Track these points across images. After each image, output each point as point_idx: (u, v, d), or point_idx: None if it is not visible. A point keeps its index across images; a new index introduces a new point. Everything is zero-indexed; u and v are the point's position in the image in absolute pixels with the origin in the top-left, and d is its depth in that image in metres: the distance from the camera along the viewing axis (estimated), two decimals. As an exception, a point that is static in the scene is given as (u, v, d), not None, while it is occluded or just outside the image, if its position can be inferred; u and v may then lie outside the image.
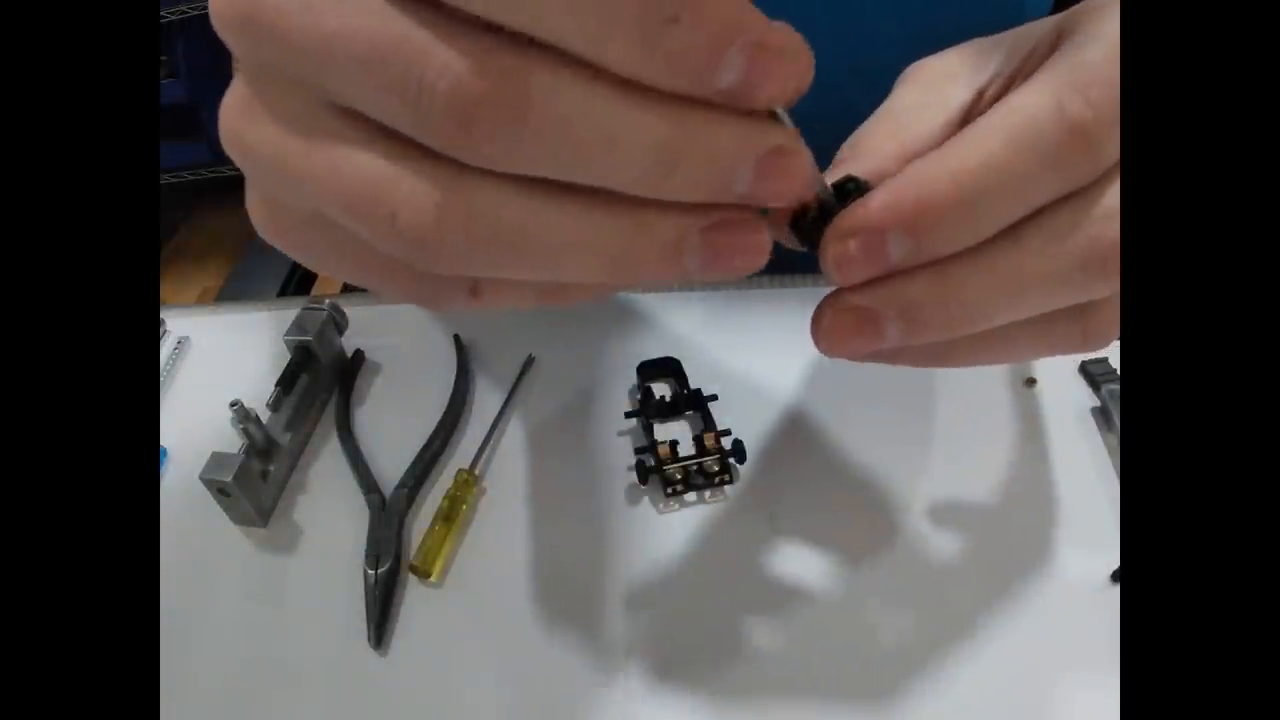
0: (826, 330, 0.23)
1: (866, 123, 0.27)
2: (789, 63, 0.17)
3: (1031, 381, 0.42)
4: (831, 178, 0.24)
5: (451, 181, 0.18)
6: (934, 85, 0.27)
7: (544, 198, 0.18)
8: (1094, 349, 0.25)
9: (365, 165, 0.19)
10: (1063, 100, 0.21)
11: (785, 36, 0.17)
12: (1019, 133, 0.22)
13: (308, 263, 0.24)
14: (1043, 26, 0.26)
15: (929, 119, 0.26)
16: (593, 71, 0.17)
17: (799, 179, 0.19)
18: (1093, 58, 0.22)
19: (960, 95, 0.26)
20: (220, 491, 0.38)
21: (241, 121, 0.21)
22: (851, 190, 0.23)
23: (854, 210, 0.22)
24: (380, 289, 0.22)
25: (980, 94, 0.27)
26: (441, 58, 0.16)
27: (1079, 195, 0.23)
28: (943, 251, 0.22)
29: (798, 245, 0.24)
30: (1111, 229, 0.22)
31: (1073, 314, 0.24)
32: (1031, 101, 0.22)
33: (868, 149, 0.25)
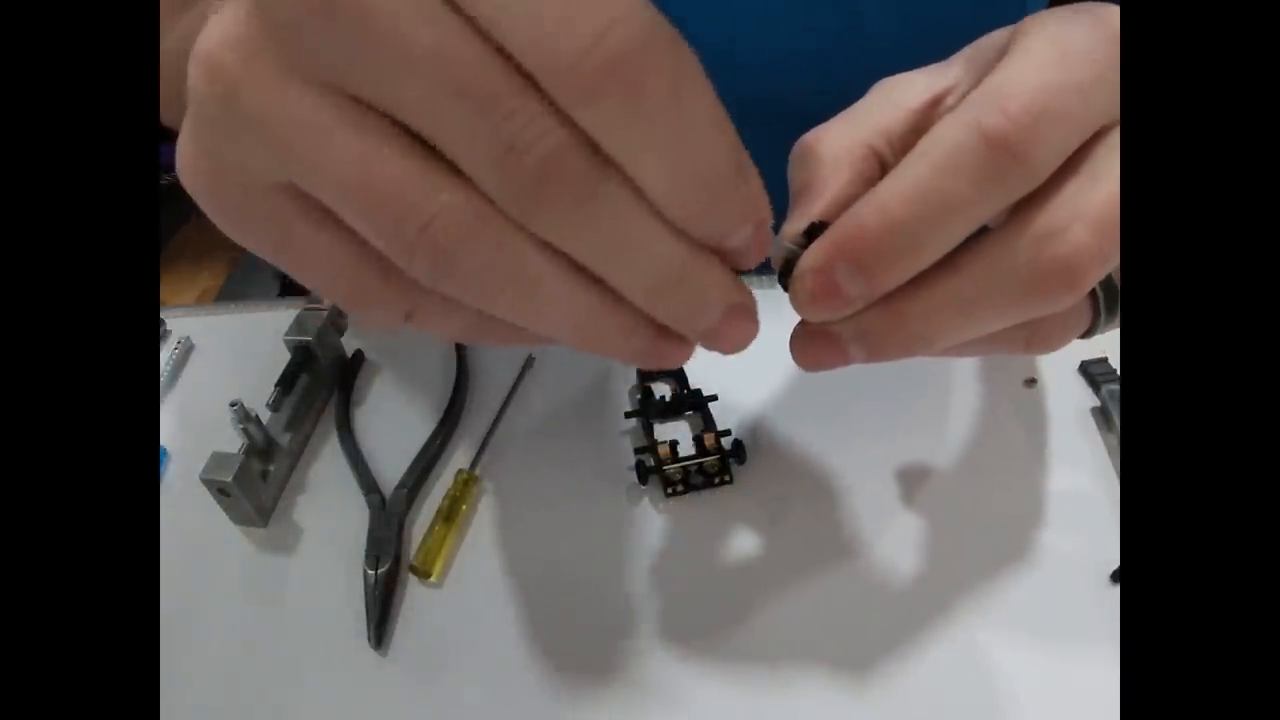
0: (799, 351, 0.26)
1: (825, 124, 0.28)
2: (769, 244, 0.22)
3: (1031, 381, 0.42)
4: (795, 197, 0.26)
5: (490, 216, 0.19)
6: (886, 89, 0.28)
7: (557, 263, 0.20)
8: (1039, 354, 0.27)
9: (404, 168, 0.19)
10: (980, 118, 0.22)
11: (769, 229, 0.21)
12: (941, 156, 0.22)
13: (241, 237, 0.22)
14: (1002, 35, 0.26)
15: (878, 113, 0.27)
16: (648, 201, 0.20)
17: (746, 338, 0.23)
18: (1009, 75, 0.23)
19: (912, 97, 0.27)
20: (220, 491, 0.38)
21: (241, 60, 0.19)
22: (818, 233, 0.24)
23: (807, 253, 0.24)
24: (321, 283, 0.22)
25: (939, 99, 0.27)
26: (543, 123, 0.18)
27: (1015, 218, 0.23)
28: (893, 282, 0.23)
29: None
30: (1051, 249, 0.23)
31: (1018, 326, 0.25)
32: (952, 125, 0.23)
33: (816, 152, 0.27)
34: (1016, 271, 0.23)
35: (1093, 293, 0.26)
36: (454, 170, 0.19)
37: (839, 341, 0.25)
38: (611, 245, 0.20)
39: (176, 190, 0.22)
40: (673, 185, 0.19)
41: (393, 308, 0.22)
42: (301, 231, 0.21)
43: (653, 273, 0.20)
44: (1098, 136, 0.24)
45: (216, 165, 0.21)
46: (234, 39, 0.19)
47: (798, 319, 0.26)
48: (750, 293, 0.22)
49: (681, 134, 0.19)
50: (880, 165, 0.27)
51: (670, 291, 0.21)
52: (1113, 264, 0.23)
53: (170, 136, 0.22)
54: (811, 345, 0.25)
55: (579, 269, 0.20)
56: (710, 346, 0.23)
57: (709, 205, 0.20)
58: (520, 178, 0.19)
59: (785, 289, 0.25)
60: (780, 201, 0.28)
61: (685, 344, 0.23)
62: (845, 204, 0.24)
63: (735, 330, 0.22)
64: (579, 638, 0.35)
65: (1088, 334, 0.27)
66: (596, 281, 0.21)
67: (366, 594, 0.37)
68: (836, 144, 0.27)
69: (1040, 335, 0.26)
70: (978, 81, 0.24)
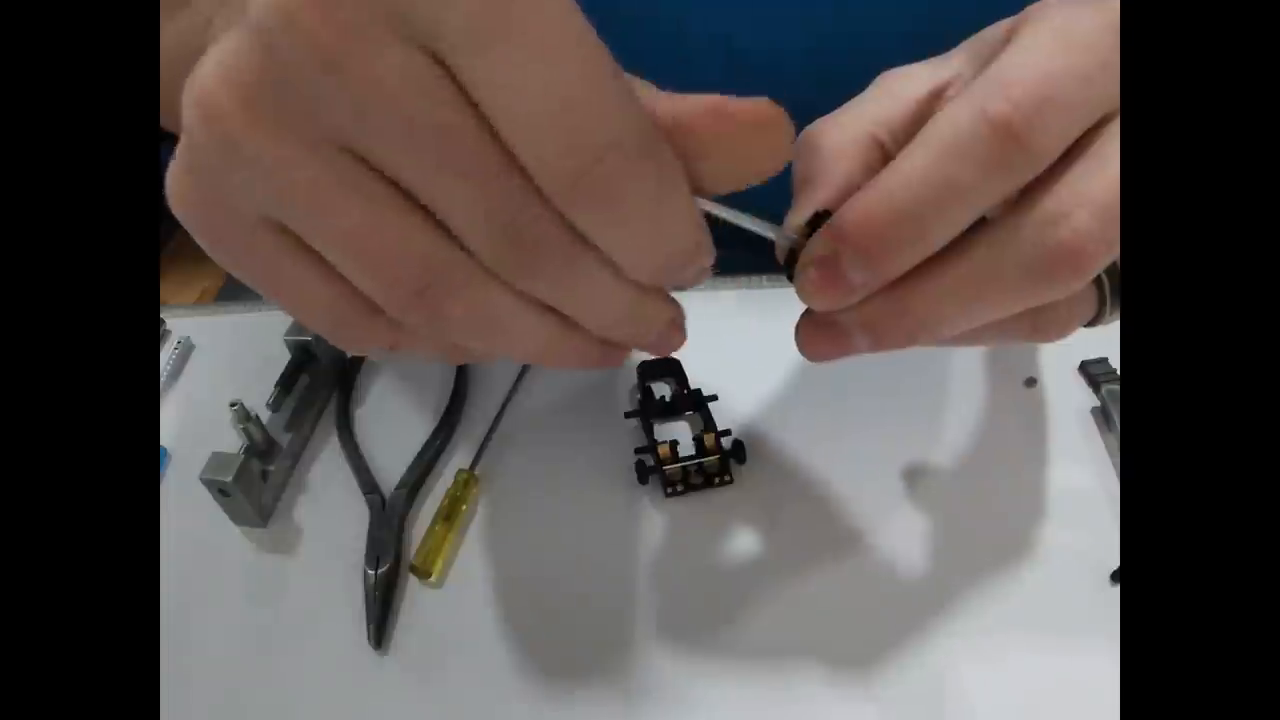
0: (803, 341, 0.26)
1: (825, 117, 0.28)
2: (709, 273, 0.24)
3: (1032, 381, 0.42)
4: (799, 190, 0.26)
5: (479, 275, 0.21)
6: (888, 81, 0.29)
7: (530, 307, 0.22)
8: (1044, 342, 0.27)
9: (402, 230, 0.20)
10: (984, 104, 0.22)
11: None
12: (946, 142, 0.23)
13: (227, 266, 0.22)
14: (1005, 27, 0.26)
15: (880, 104, 0.27)
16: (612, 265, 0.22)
17: (677, 346, 0.26)
18: (1013, 61, 0.23)
19: (914, 88, 0.27)
20: (220, 491, 0.38)
21: (241, 108, 0.19)
22: (821, 222, 0.24)
23: (811, 242, 0.24)
24: (306, 317, 0.23)
25: (941, 91, 0.27)
26: (535, 209, 0.20)
27: (1019, 204, 0.23)
28: (897, 269, 0.23)
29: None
30: (1055, 234, 0.23)
31: (1022, 314, 0.25)
32: (956, 111, 0.23)
33: (818, 143, 0.27)
34: (1020, 256, 0.23)
35: (1098, 281, 0.26)
36: (447, 231, 0.20)
37: (844, 331, 0.25)
38: (580, 298, 0.22)
39: (177, 190, 0.22)
40: (640, 265, 0.22)
41: (374, 340, 0.23)
42: (289, 267, 0.22)
43: (611, 313, 0.23)
44: (1102, 123, 0.23)
45: (207, 198, 0.21)
46: (234, 82, 0.19)
47: (800, 316, 0.26)
48: (679, 307, 0.25)
49: (653, 233, 0.21)
50: (883, 155, 0.27)
51: (623, 324, 0.24)
52: (1117, 251, 0.23)
53: (171, 139, 0.22)
54: (816, 335, 0.25)
55: (549, 309, 0.23)
56: (647, 351, 0.26)
57: (668, 276, 0.23)
58: (511, 252, 0.20)
59: (790, 279, 0.25)
60: (782, 198, 0.28)
61: (625, 351, 0.26)
62: (848, 193, 0.24)
63: (670, 341, 0.25)
64: (579, 638, 0.35)
65: (1093, 322, 0.27)
66: (563, 318, 0.23)
67: (366, 594, 0.37)
68: (839, 134, 0.27)
69: (1045, 323, 0.26)
70: (980, 72, 0.24)
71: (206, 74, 0.19)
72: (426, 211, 0.20)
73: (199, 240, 0.22)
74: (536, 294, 0.22)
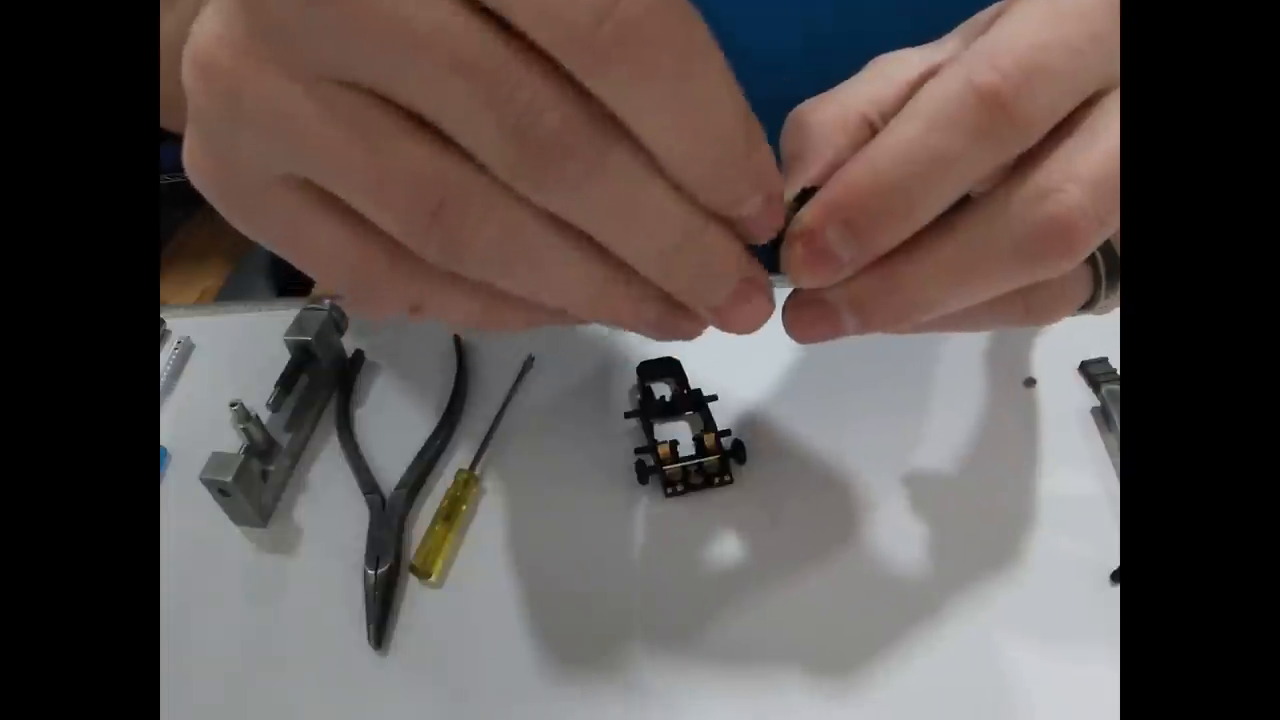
0: (791, 321, 0.25)
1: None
2: (781, 217, 0.22)
3: (1031, 381, 0.42)
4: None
5: (500, 194, 0.20)
6: (881, 64, 0.28)
7: (567, 236, 0.21)
8: (1038, 325, 0.26)
9: (412, 153, 0.19)
10: (971, 74, 0.22)
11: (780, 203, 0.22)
12: (933, 112, 0.22)
13: (249, 230, 0.22)
14: (990, 11, 0.26)
15: (871, 85, 0.27)
16: (657, 168, 0.20)
17: (758, 316, 0.23)
18: (1002, 33, 0.23)
19: (906, 70, 0.27)
20: (220, 491, 0.38)
21: (237, 60, 0.19)
22: (810, 199, 0.24)
23: (798, 216, 0.23)
24: (329, 273, 0.22)
25: (933, 73, 0.27)
26: (547, 97, 0.18)
27: (1009, 179, 0.23)
28: (885, 243, 0.23)
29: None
30: (1044, 209, 0.22)
31: (1014, 293, 0.24)
32: (943, 82, 0.22)
33: (808, 122, 0.26)
34: (1010, 232, 0.23)
35: (1093, 261, 0.25)
36: (460, 150, 0.19)
37: (831, 309, 0.24)
38: (620, 213, 0.20)
39: (176, 191, 0.22)
40: (683, 149, 0.20)
41: (400, 296, 0.22)
42: (309, 222, 0.21)
43: (661, 238, 0.21)
44: (1094, 98, 0.23)
45: (221, 162, 0.21)
46: (227, 37, 0.19)
47: (787, 297, 0.25)
48: (763, 270, 0.23)
49: (692, 99, 0.19)
50: (873, 135, 0.26)
51: (679, 259, 0.21)
52: (1110, 229, 0.23)
53: (170, 138, 0.23)
54: (803, 314, 0.25)
55: (590, 241, 0.21)
56: (722, 325, 0.23)
57: (719, 170, 0.20)
58: (528, 153, 0.19)
59: (779, 263, 0.25)
60: None
61: (697, 318, 0.23)
62: (837, 170, 0.24)
63: (746, 307, 0.23)
64: (579, 638, 0.35)
65: (1089, 305, 0.27)
66: (608, 253, 0.21)
67: (366, 594, 0.37)
68: (829, 113, 0.26)
69: (1038, 304, 0.26)
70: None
71: (201, 36, 0.20)
72: (436, 132, 0.19)
73: (218, 206, 0.22)
74: (564, 211, 0.20)
